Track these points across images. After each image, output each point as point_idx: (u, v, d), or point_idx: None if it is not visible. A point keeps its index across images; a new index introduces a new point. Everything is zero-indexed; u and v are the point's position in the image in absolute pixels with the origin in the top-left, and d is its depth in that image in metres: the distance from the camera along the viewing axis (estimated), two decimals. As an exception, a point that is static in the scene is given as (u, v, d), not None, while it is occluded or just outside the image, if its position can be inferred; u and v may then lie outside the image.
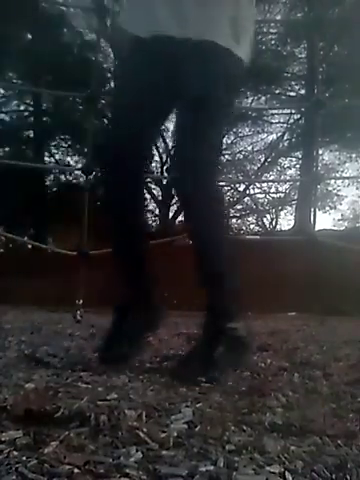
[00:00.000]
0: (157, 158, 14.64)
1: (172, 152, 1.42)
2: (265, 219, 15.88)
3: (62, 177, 14.20)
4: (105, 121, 13.85)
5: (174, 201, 14.29)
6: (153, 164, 14.73)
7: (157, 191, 14.28)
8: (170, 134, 14.21)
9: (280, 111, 13.40)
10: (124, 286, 1.52)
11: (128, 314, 1.45)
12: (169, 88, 1.37)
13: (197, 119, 1.34)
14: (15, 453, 0.69)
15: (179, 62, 1.35)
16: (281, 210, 15.84)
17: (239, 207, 14.97)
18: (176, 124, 1.45)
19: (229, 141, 13.72)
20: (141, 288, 1.48)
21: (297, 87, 13.28)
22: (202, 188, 1.32)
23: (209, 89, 1.34)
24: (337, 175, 14.09)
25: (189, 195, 1.34)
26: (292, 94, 13.38)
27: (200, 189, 1.32)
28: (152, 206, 14.72)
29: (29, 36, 13.11)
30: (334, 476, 0.65)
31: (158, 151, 14.55)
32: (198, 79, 1.34)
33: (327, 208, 15.05)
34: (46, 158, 13.81)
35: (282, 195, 15.13)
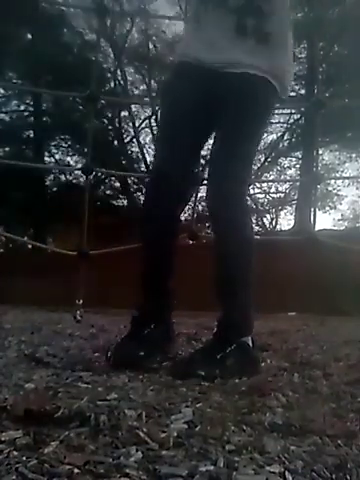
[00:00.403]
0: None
1: (209, 170, 1.44)
2: (265, 219, 15.87)
3: (62, 177, 14.22)
4: (105, 121, 13.90)
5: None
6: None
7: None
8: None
9: (280, 111, 13.39)
10: (147, 299, 1.53)
11: (146, 324, 1.46)
12: (209, 113, 1.43)
13: (234, 141, 1.40)
14: (15, 453, 0.69)
15: (218, 90, 1.41)
16: (281, 210, 15.84)
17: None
18: (214, 145, 1.47)
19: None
20: (163, 304, 1.52)
21: (297, 87, 13.29)
22: (233, 207, 1.37)
23: (246, 115, 1.40)
24: (337, 175, 14.11)
25: (221, 216, 1.40)
26: (292, 94, 13.38)
27: (231, 209, 1.37)
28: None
29: (29, 36, 13.12)
30: (334, 476, 0.65)
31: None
32: (236, 107, 1.40)
33: (327, 208, 15.05)
34: (46, 158, 13.84)
35: (282, 195, 15.14)
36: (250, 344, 1.37)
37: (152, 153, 14.71)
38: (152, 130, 14.65)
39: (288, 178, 14.63)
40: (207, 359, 1.27)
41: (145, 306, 1.51)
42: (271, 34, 1.42)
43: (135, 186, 14.39)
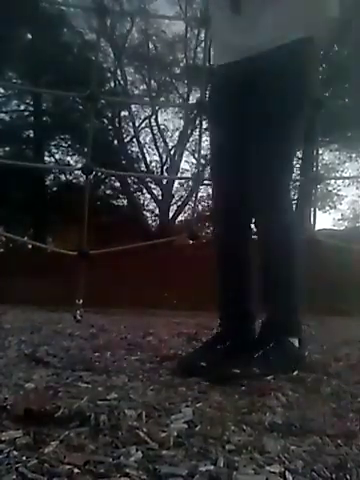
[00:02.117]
0: (157, 158, 14.67)
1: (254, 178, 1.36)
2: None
3: (62, 177, 14.21)
4: (105, 121, 13.89)
5: (174, 201, 14.30)
6: (153, 164, 14.74)
7: (157, 191, 14.28)
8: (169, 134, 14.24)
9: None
10: (226, 319, 1.50)
11: (222, 340, 1.42)
12: (249, 113, 1.35)
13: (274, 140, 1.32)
14: (15, 453, 0.69)
15: (255, 83, 1.33)
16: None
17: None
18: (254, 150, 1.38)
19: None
20: (243, 326, 1.46)
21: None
22: (278, 214, 1.35)
23: (285, 102, 1.33)
24: (337, 175, 14.09)
25: (267, 219, 1.37)
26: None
27: (275, 213, 1.34)
28: (152, 206, 14.72)
29: (29, 36, 13.11)
30: (334, 476, 0.65)
31: (158, 151, 14.57)
32: (274, 97, 1.32)
33: (327, 208, 15.05)
34: (46, 158, 13.83)
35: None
36: (295, 343, 1.35)
37: (152, 153, 14.74)
38: (152, 130, 14.66)
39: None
40: (246, 358, 1.26)
41: (224, 325, 1.49)
42: None
43: (135, 186, 14.40)
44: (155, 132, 14.62)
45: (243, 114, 1.37)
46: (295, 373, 1.29)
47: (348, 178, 16.03)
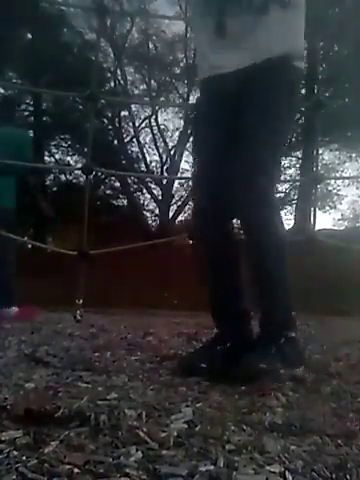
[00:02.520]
0: (157, 158, 14.67)
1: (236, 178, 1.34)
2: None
3: (62, 177, 14.21)
4: (105, 121, 13.89)
5: (174, 201, 14.30)
6: (153, 164, 14.74)
7: (157, 191, 14.28)
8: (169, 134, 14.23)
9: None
10: (221, 321, 1.49)
11: (221, 341, 1.42)
12: (234, 123, 1.37)
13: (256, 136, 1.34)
14: (15, 453, 0.69)
15: (238, 95, 1.36)
16: (281, 210, 15.82)
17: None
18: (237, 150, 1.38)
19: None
20: (238, 326, 1.45)
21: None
22: (262, 216, 1.33)
23: (269, 105, 1.35)
24: (337, 175, 14.10)
25: (252, 216, 1.35)
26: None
27: (263, 209, 1.32)
28: (152, 206, 14.72)
29: (29, 36, 13.11)
30: (334, 476, 0.65)
31: (158, 151, 14.57)
32: (257, 100, 1.35)
33: (327, 208, 15.06)
34: (46, 158, 13.83)
35: (282, 195, 15.13)
36: (297, 337, 1.37)
37: (152, 153, 14.74)
38: (152, 130, 14.66)
39: (288, 178, 14.62)
40: (264, 353, 1.26)
41: (221, 326, 1.48)
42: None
43: (135, 186, 14.40)
44: (155, 132, 14.63)
45: (227, 123, 1.40)
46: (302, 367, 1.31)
47: (348, 178, 16.04)
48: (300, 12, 1.43)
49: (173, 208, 14.24)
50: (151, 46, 14.26)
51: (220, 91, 1.41)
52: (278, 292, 1.37)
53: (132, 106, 14.00)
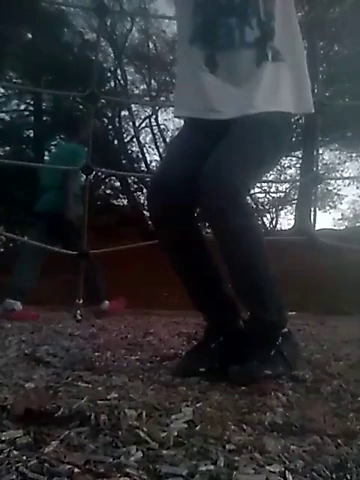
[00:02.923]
0: (157, 158, 14.67)
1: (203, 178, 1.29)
2: (265, 219, 15.87)
3: (62, 177, 14.18)
4: (105, 121, 13.89)
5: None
6: (153, 164, 14.74)
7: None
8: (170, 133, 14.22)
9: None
10: (206, 312, 1.45)
11: (213, 337, 1.39)
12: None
13: (240, 147, 1.33)
14: (15, 452, 0.69)
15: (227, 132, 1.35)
16: (281, 210, 15.85)
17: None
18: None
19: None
20: (226, 314, 1.41)
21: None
22: (236, 212, 1.26)
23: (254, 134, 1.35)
24: (337, 175, 14.11)
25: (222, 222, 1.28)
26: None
27: (234, 214, 1.25)
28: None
29: (29, 36, 13.11)
30: (334, 476, 0.65)
31: (158, 151, 14.57)
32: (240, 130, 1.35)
33: (327, 207, 15.08)
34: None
35: (282, 195, 15.14)
36: (290, 332, 1.35)
37: (152, 152, 14.76)
38: (152, 130, 14.67)
39: (288, 178, 14.63)
40: (265, 358, 1.25)
41: (208, 319, 1.45)
42: (287, 52, 1.39)
43: (135, 186, 14.41)
44: (155, 132, 14.64)
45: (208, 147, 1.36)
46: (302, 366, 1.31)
47: (348, 178, 16.05)
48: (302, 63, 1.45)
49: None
50: (151, 46, 14.28)
51: (213, 131, 1.38)
52: (264, 294, 1.31)
53: (132, 106, 14.01)
